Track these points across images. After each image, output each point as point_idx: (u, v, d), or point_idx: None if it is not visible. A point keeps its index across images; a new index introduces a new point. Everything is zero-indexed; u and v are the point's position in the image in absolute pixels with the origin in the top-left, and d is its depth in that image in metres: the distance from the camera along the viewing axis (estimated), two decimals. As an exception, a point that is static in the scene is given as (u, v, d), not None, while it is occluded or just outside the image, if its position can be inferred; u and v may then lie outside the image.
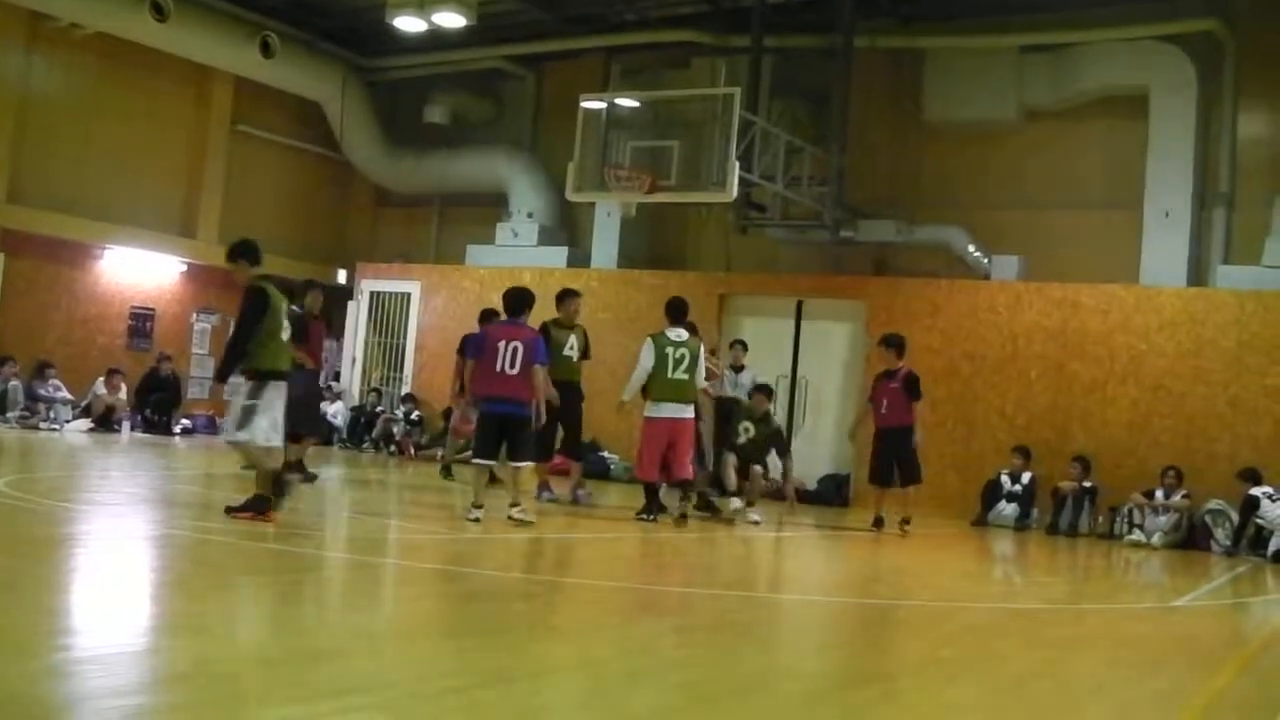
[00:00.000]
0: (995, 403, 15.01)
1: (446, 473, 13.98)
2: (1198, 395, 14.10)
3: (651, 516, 10.86)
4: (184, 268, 18.57)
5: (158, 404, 17.34)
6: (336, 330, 20.19)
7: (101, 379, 16.67)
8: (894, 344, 12.52)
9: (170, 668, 4.36)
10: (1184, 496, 13.40)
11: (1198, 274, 14.85)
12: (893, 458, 12.32)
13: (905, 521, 12.21)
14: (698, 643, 5.93)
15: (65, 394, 16.37)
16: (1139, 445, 14.27)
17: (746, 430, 12.30)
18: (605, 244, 18.14)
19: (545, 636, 5.79)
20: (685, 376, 10.91)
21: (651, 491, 11.06)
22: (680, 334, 11.08)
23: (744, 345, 15.13)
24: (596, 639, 5.75)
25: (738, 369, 14.96)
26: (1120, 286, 14.79)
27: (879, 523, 12.20)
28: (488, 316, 14.20)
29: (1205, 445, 13.95)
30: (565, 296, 12.17)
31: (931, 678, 5.55)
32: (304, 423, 12.09)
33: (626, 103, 15.03)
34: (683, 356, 10.90)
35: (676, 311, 11.30)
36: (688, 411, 11.05)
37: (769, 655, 5.88)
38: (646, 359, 10.92)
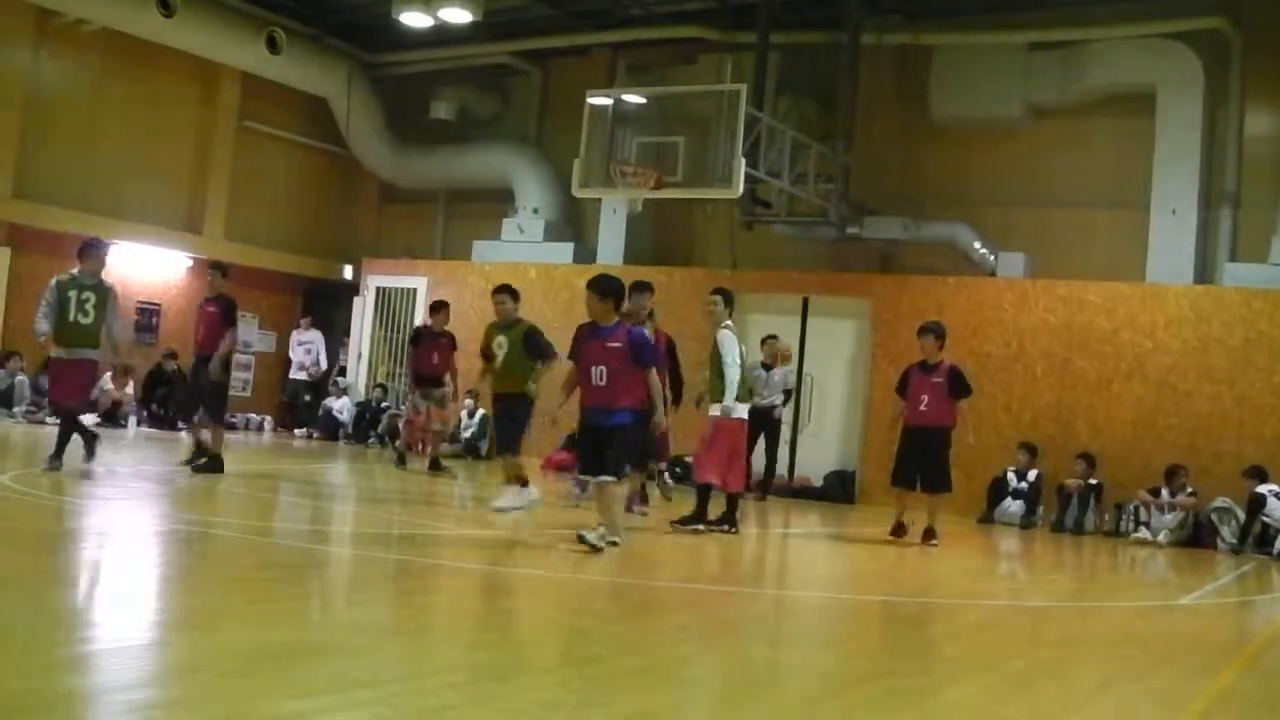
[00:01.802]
0: (1001, 399, 14.99)
1: (433, 467, 13.90)
2: (1204, 393, 14.08)
3: (734, 528, 10.27)
4: (190, 263, 18.58)
5: (164, 399, 17.38)
6: (337, 327, 20.31)
7: (108, 374, 16.69)
8: (936, 332, 11.11)
9: (174, 662, 4.37)
10: (1190, 494, 13.36)
11: (1204, 272, 14.82)
12: (921, 459, 10.91)
13: (929, 532, 10.88)
14: (700, 639, 5.93)
15: (72, 389, 16.36)
16: (1145, 443, 14.25)
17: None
18: (611, 240, 18.12)
19: (547, 631, 5.79)
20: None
21: (732, 500, 10.33)
22: (734, 329, 10.42)
23: (777, 340, 14.94)
24: (597, 635, 5.75)
25: (769, 366, 14.76)
26: (1126, 284, 14.76)
27: (900, 529, 11.08)
28: (437, 309, 14.22)
29: (1211, 443, 13.92)
30: (633, 291, 10.21)
31: (935, 675, 5.54)
32: (197, 409, 11.47)
33: (633, 99, 15.00)
34: (744, 352, 10.49)
35: (730, 301, 10.52)
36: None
37: (772, 652, 5.88)
38: (737, 354, 10.02)
